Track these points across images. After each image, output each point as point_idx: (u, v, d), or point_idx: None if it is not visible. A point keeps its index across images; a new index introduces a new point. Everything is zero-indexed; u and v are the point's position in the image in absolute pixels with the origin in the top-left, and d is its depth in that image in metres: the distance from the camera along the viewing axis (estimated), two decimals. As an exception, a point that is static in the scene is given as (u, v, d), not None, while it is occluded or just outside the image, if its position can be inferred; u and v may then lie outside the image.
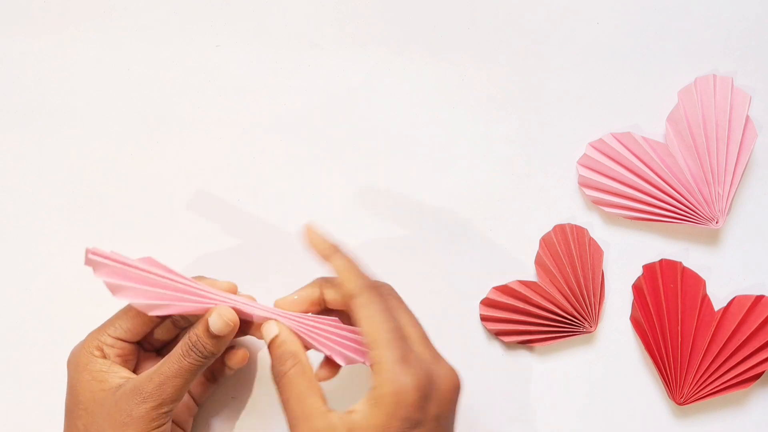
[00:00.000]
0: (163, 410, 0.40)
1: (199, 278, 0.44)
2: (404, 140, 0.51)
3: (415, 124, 0.51)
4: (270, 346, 0.41)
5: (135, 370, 0.44)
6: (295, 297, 0.44)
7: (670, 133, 0.50)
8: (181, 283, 0.41)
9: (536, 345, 0.50)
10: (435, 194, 0.51)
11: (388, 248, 0.51)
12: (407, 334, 0.40)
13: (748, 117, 0.49)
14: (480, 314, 0.50)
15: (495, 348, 0.51)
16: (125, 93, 0.51)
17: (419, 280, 0.50)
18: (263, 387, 0.50)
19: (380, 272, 0.50)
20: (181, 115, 0.51)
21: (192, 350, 0.41)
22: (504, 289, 0.50)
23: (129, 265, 0.41)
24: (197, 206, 0.51)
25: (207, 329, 0.41)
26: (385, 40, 0.51)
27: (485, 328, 0.51)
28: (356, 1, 0.51)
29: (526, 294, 0.49)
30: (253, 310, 0.42)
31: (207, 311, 0.41)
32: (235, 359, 0.45)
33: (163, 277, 0.41)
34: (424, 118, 0.51)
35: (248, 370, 0.50)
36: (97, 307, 0.50)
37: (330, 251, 0.42)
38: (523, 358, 0.51)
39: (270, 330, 0.42)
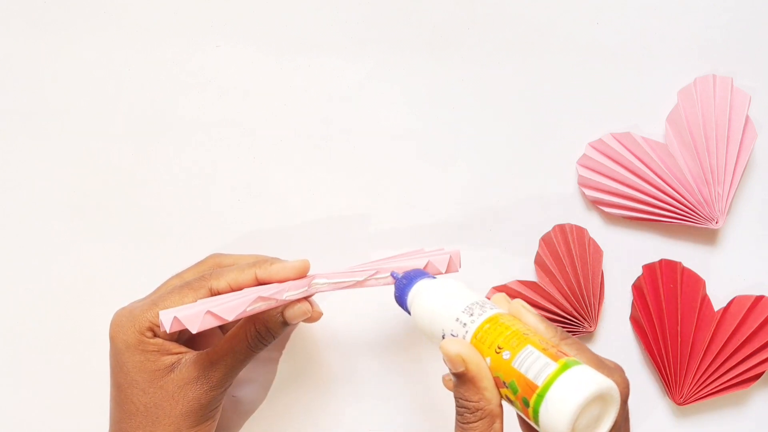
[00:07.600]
0: (226, 391, 0.44)
1: (269, 260, 0.43)
2: (404, 141, 0.51)
3: (415, 125, 0.51)
4: (463, 379, 0.36)
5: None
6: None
7: (669, 134, 0.50)
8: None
9: (536, 345, 0.50)
10: (435, 194, 0.51)
11: (388, 248, 0.51)
12: None
13: (747, 117, 0.49)
14: (480, 314, 0.50)
15: (495, 348, 0.50)
16: (125, 93, 0.51)
17: (419, 280, 0.50)
18: (262, 383, 0.50)
19: (380, 272, 0.51)
20: (181, 115, 0.51)
21: (261, 341, 0.43)
22: (504, 289, 0.50)
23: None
24: (197, 206, 0.51)
25: (282, 321, 0.42)
26: (385, 40, 0.51)
27: (485, 328, 0.51)
28: (356, 1, 0.51)
29: (526, 294, 0.49)
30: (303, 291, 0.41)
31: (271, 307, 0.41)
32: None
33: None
34: (424, 119, 0.51)
35: (247, 369, 0.50)
36: (97, 306, 0.50)
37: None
38: (522, 358, 0.51)
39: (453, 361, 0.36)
